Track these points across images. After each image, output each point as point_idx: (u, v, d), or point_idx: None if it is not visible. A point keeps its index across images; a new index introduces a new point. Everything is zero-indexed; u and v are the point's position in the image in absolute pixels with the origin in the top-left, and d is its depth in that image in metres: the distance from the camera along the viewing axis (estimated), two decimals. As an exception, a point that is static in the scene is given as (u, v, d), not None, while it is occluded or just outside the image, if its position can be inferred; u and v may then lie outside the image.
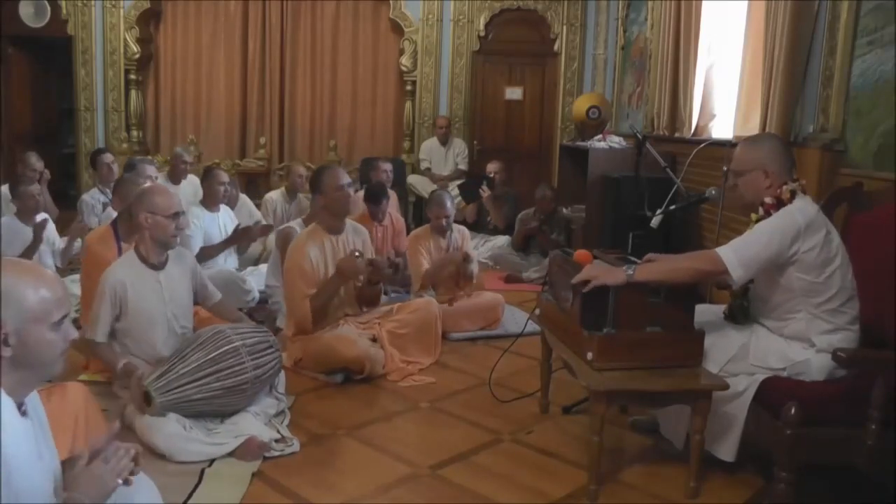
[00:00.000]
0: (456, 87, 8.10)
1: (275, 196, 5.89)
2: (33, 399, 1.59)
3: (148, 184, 4.60)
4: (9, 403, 1.45)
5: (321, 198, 3.69)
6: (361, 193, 5.29)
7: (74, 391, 2.19)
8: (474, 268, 4.53)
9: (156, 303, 3.03)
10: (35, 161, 5.49)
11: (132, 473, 1.59)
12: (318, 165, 7.91)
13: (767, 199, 2.56)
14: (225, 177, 4.97)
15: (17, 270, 1.48)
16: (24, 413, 1.51)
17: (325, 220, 3.74)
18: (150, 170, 5.04)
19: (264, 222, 5.61)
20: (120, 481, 1.52)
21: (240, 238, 4.75)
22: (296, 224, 4.56)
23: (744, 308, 2.70)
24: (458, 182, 7.36)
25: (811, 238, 2.44)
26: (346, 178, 3.71)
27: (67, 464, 1.68)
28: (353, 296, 3.84)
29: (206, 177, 5.01)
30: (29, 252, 4.39)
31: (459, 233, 4.67)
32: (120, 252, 3.52)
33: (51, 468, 1.57)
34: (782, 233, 2.45)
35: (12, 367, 1.45)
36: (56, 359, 1.53)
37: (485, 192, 6.72)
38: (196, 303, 3.27)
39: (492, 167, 6.84)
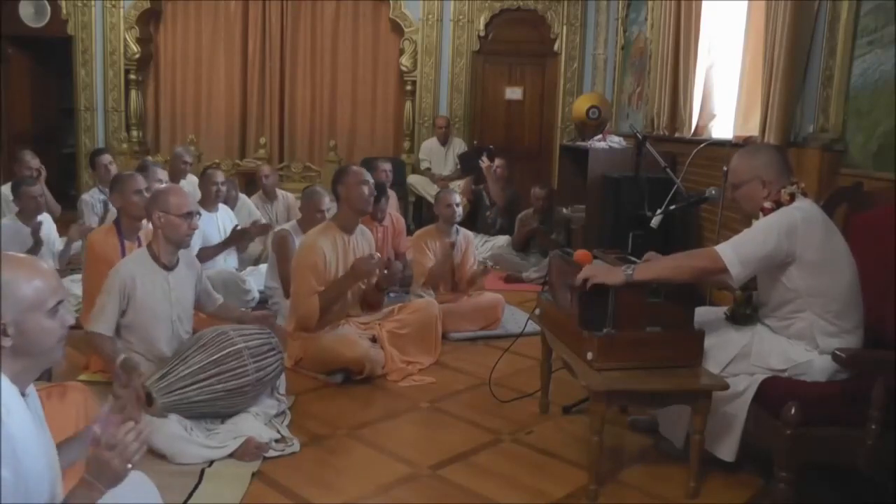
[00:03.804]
0: (456, 87, 8.11)
1: (254, 200, 5.86)
2: (32, 395, 1.61)
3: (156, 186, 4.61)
4: (13, 390, 1.49)
5: (343, 189, 3.69)
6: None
7: (74, 391, 2.19)
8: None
9: (163, 302, 3.03)
10: (31, 158, 5.48)
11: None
12: (318, 165, 7.97)
13: (767, 205, 2.56)
14: (219, 177, 4.98)
15: (9, 263, 1.52)
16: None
17: (342, 217, 3.74)
18: (161, 173, 5.04)
19: (264, 222, 5.61)
20: (130, 466, 1.53)
21: (238, 239, 4.75)
22: (289, 227, 4.56)
23: (747, 316, 2.69)
24: (459, 182, 7.36)
25: (809, 235, 2.44)
26: (370, 177, 3.77)
27: (64, 444, 1.70)
28: (357, 297, 3.85)
29: (202, 177, 5.03)
30: (31, 253, 4.38)
31: (464, 237, 4.69)
32: (123, 249, 3.52)
33: (50, 456, 1.59)
34: (779, 229, 2.45)
35: (13, 357, 1.50)
36: (55, 345, 1.57)
37: (484, 162, 6.74)
38: (196, 308, 3.26)
39: (497, 161, 6.83)
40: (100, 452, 1.52)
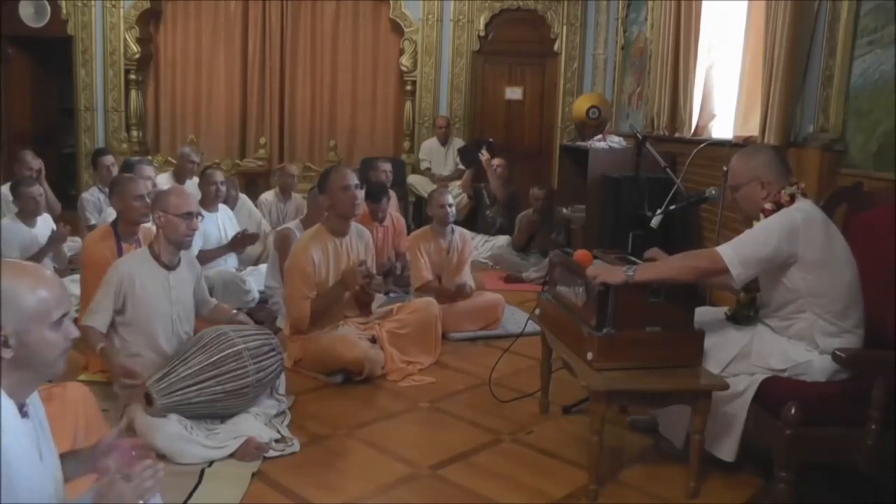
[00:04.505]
0: (456, 87, 8.10)
1: (269, 197, 5.89)
2: (34, 400, 1.58)
3: (148, 184, 4.61)
4: (9, 405, 1.45)
5: (327, 197, 3.69)
6: (362, 193, 5.28)
7: (74, 391, 2.18)
8: (469, 283, 4.56)
9: (163, 301, 3.02)
10: (31, 159, 5.48)
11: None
12: (318, 166, 7.97)
13: (767, 206, 2.56)
14: (218, 176, 4.99)
15: (14, 272, 1.47)
16: (25, 414, 1.52)
17: (331, 222, 3.74)
18: (148, 170, 5.04)
19: (264, 222, 5.62)
20: (141, 502, 1.48)
21: (237, 246, 4.75)
22: (293, 225, 4.57)
23: (749, 318, 2.69)
24: (458, 181, 7.37)
25: (811, 237, 2.44)
26: (353, 179, 3.68)
27: (67, 457, 1.68)
28: (353, 299, 3.85)
29: (201, 177, 5.03)
30: (38, 257, 4.37)
31: (461, 237, 4.68)
32: (120, 251, 3.52)
33: (51, 469, 1.57)
34: (780, 231, 2.45)
35: (13, 368, 1.46)
36: (57, 358, 1.52)
37: (484, 155, 6.75)
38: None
39: (497, 161, 6.85)
40: (115, 482, 1.47)
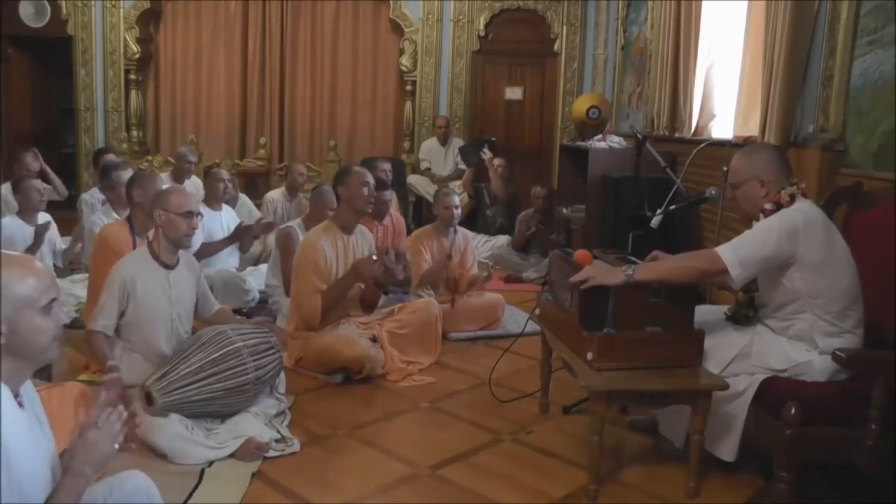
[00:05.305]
0: (456, 87, 8.11)
1: (275, 195, 5.91)
2: (28, 390, 1.61)
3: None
4: (8, 395, 1.48)
5: (345, 189, 3.71)
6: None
7: (74, 391, 2.19)
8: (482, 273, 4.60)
9: (163, 301, 3.02)
10: (31, 160, 5.49)
11: (129, 440, 1.61)
12: (318, 166, 7.98)
13: (767, 206, 2.56)
14: (224, 174, 5.04)
15: (2, 262, 1.51)
16: (20, 404, 1.54)
17: (342, 217, 3.76)
18: (127, 175, 5.03)
19: (266, 220, 5.62)
20: (116, 446, 1.53)
21: (240, 236, 4.75)
22: (295, 224, 4.57)
23: (748, 318, 2.69)
24: (458, 181, 7.37)
25: (811, 238, 2.44)
26: (372, 178, 3.78)
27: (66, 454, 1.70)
28: (357, 297, 3.85)
29: (206, 176, 5.06)
30: (30, 252, 4.38)
31: (463, 237, 4.68)
32: (135, 246, 3.54)
33: (47, 457, 1.59)
34: (779, 231, 2.45)
35: (8, 356, 1.49)
36: (49, 344, 1.56)
37: (486, 154, 6.75)
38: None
39: (497, 161, 6.85)
40: (86, 434, 1.52)
